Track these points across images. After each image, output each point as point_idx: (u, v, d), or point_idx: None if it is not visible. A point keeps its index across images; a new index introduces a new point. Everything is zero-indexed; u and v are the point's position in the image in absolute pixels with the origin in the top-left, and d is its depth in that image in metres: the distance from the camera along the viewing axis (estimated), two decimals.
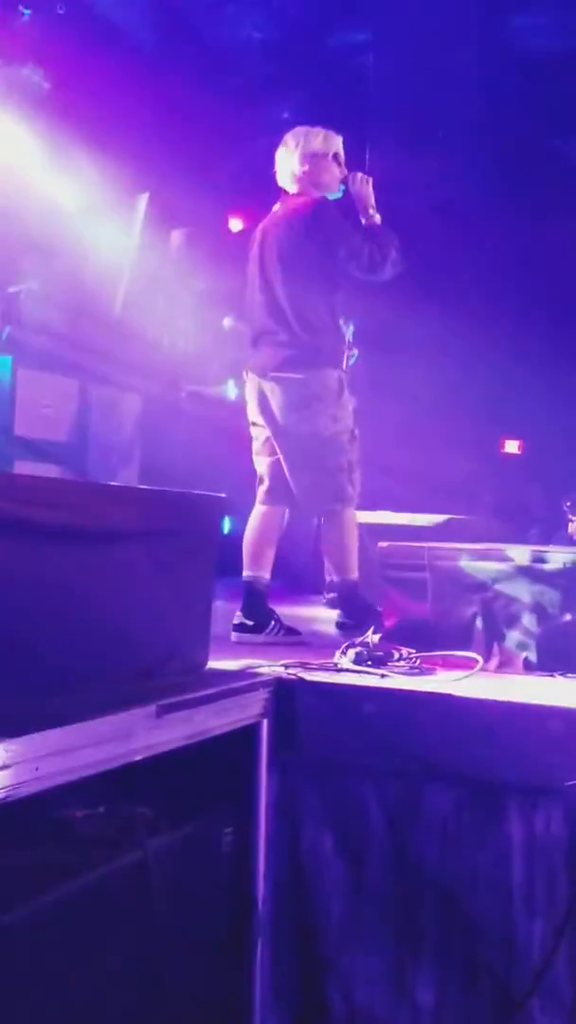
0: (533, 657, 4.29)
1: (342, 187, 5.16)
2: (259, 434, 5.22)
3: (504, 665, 4.28)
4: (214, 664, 3.69)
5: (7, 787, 2.37)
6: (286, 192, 5.20)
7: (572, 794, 3.42)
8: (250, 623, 5.03)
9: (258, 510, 5.23)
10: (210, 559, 3.68)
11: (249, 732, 3.49)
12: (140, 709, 2.87)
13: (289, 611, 6.56)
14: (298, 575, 7.46)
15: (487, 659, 4.21)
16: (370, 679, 3.82)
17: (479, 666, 4.01)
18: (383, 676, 3.86)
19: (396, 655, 4.09)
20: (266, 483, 5.18)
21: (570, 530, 9.89)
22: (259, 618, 5.06)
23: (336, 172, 5.12)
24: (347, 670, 3.91)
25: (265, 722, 3.56)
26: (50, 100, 7.66)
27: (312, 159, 5.07)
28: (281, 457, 5.07)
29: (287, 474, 5.07)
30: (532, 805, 3.51)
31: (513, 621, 4.37)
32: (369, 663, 3.98)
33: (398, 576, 4.69)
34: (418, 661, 4.09)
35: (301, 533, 7.52)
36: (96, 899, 2.83)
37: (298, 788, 3.70)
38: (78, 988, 2.73)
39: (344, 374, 4.96)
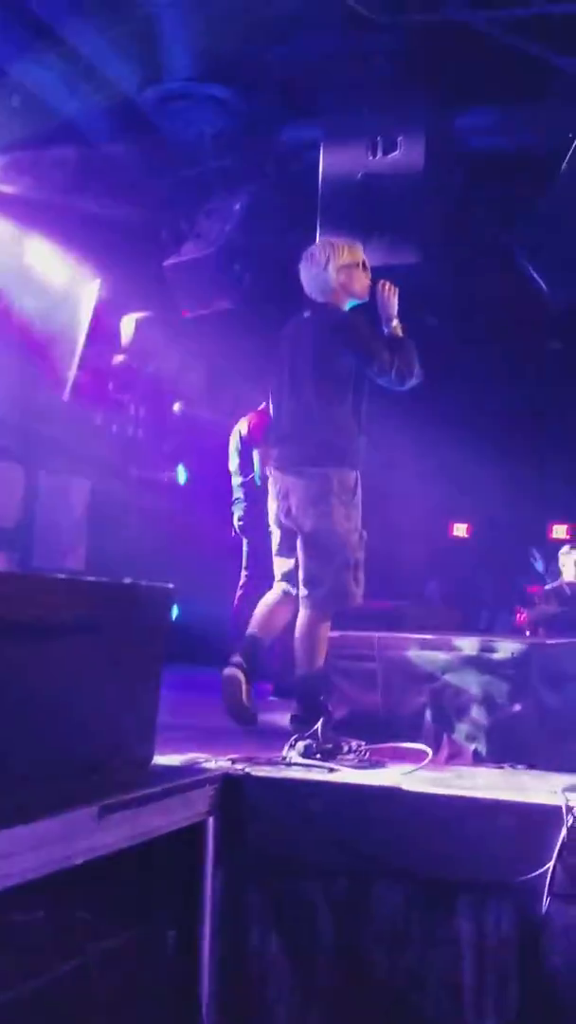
0: (483, 748, 4.27)
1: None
2: (279, 534, 5.36)
3: (454, 757, 4.25)
4: (160, 759, 3.63)
5: None
6: (313, 299, 5.38)
7: (523, 891, 3.38)
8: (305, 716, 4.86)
9: (270, 598, 5.43)
10: (157, 651, 3.63)
11: (195, 830, 3.42)
12: (82, 810, 2.80)
13: None
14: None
15: (437, 751, 4.18)
16: (319, 773, 3.77)
17: (428, 758, 3.98)
18: (331, 770, 3.81)
19: (345, 748, 4.05)
20: (281, 582, 5.36)
21: (517, 622, 9.94)
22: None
23: (366, 280, 5.33)
24: (295, 764, 3.86)
25: (211, 820, 3.49)
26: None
27: (346, 271, 5.28)
28: (298, 546, 5.16)
29: (299, 561, 5.14)
30: (483, 903, 3.47)
31: (462, 712, 4.36)
32: (318, 756, 3.94)
33: (348, 666, 4.66)
34: (367, 753, 4.06)
35: (249, 619, 7.48)
36: (35, 1009, 2.74)
37: (245, 887, 3.63)
38: None
39: (358, 474, 5.10)
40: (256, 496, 7.62)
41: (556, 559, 9.22)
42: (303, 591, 5.06)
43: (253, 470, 7.63)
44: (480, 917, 3.45)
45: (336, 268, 5.27)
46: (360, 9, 7.21)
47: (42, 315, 8.34)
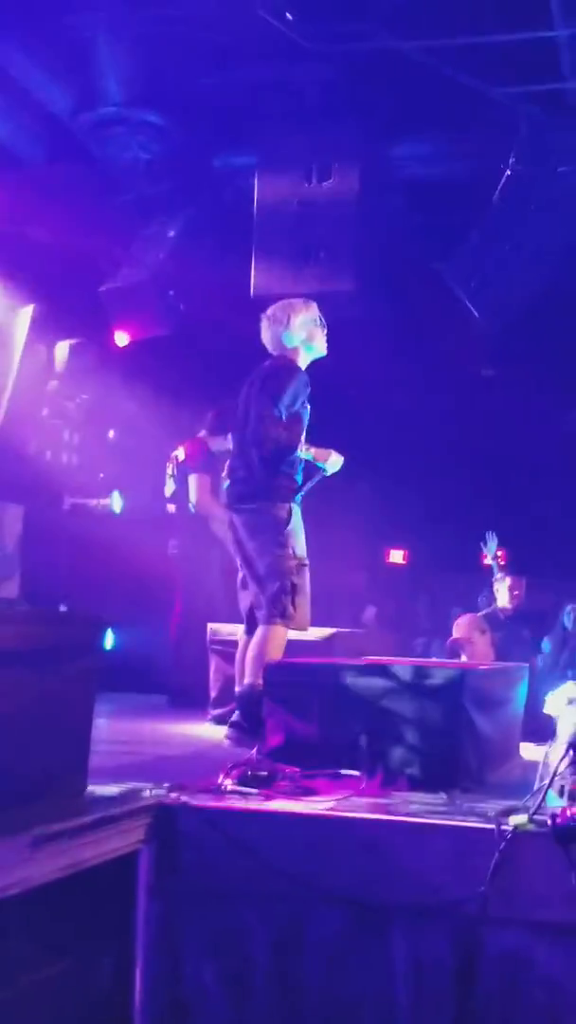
0: (417, 773, 4.28)
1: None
2: (240, 569, 5.71)
3: (388, 783, 4.25)
4: (94, 788, 3.60)
5: None
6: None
7: (458, 915, 3.39)
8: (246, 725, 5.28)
9: (246, 640, 5.62)
10: (90, 680, 3.61)
11: (129, 859, 3.39)
12: (14, 841, 2.77)
13: (175, 727, 6.47)
14: (184, 691, 7.37)
15: (372, 777, 4.18)
16: (254, 801, 3.76)
17: (363, 785, 3.98)
18: (267, 798, 3.80)
19: (280, 775, 4.03)
20: (246, 619, 5.68)
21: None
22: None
23: (323, 336, 5.75)
24: (231, 792, 3.84)
25: (146, 849, 3.47)
26: None
27: (308, 328, 5.69)
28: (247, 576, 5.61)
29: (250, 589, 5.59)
30: (418, 927, 3.47)
31: (397, 738, 4.36)
32: (253, 784, 3.92)
33: (284, 693, 4.65)
34: (303, 781, 4.05)
35: (186, 650, 7.47)
36: None
37: (180, 916, 3.60)
38: None
39: (296, 507, 5.51)
40: (191, 524, 7.62)
41: (490, 585, 9.29)
42: (258, 613, 5.50)
43: (189, 497, 7.61)
44: (415, 941, 3.46)
45: (298, 326, 5.68)
46: (296, 37, 7.30)
47: None
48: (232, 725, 5.46)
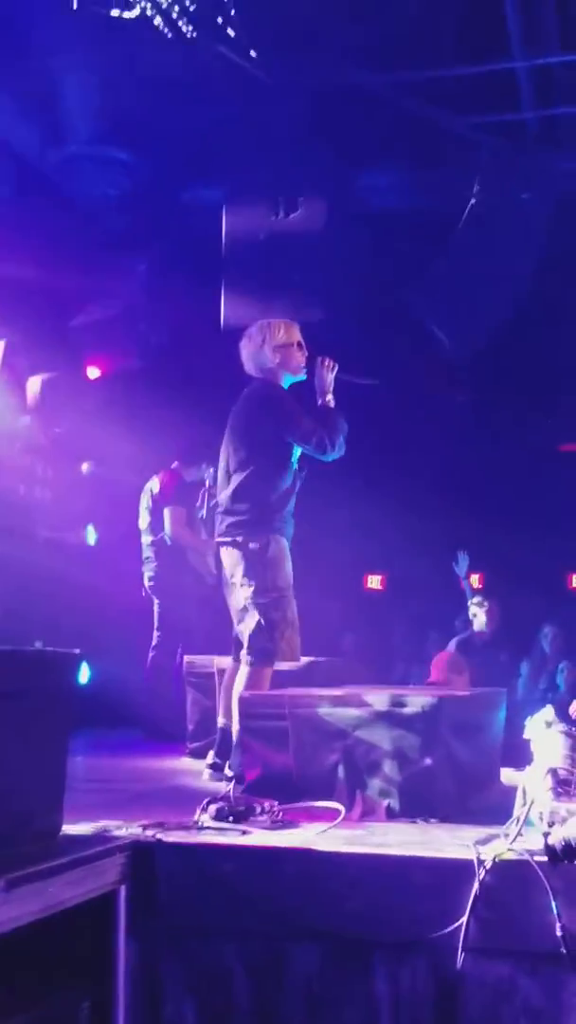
0: (396, 804, 4.28)
1: (306, 371, 5.67)
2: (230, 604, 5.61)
3: (367, 814, 4.25)
4: (69, 828, 3.57)
5: None
6: (251, 376, 5.69)
7: (438, 947, 3.37)
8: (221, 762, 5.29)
9: (233, 667, 5.54)
10: (66, 718, 3.58)
11: (106, 900, 3.36)
12: None
13: (152, 763, 6.44)
14: (161, 725, 7.33)
15: (349, 808, 4.17)
16: (231, 836, 3.74)
17: (341, 816, 3.97)
18: (244, 832, 3.79)
19: (258, 809, 4.02)
20: (233, 647, 5.59)
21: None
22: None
23: (301, 358, 5.62)
24: (207, 828, 3.82)
25: (122, 888, 3.44)
26: None
27: (281, 350, 5.56)
28: None
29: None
30: (398, 959, 3.46)
31: (375, 768, 4.36)
32: (230, 819, 3.90)
33: (259, 726, 4.64)
34: (280, 814, 4.04)
35: (163, 683, 7.44)
36: None
37: (159, 956, 3.57)
38: None
39: (277, 537, 5.38)
40: (167, 555, 7.60)
41: (467, 609, 9.31)
42: (242, 651, 5.37)
43: (164, 529, 7.60)
44: (396, 974, 3.44)
45: (272, 348, 5.56)
46: (259, 74, 7.36)
47: None
48: (211, 766, 5.49)
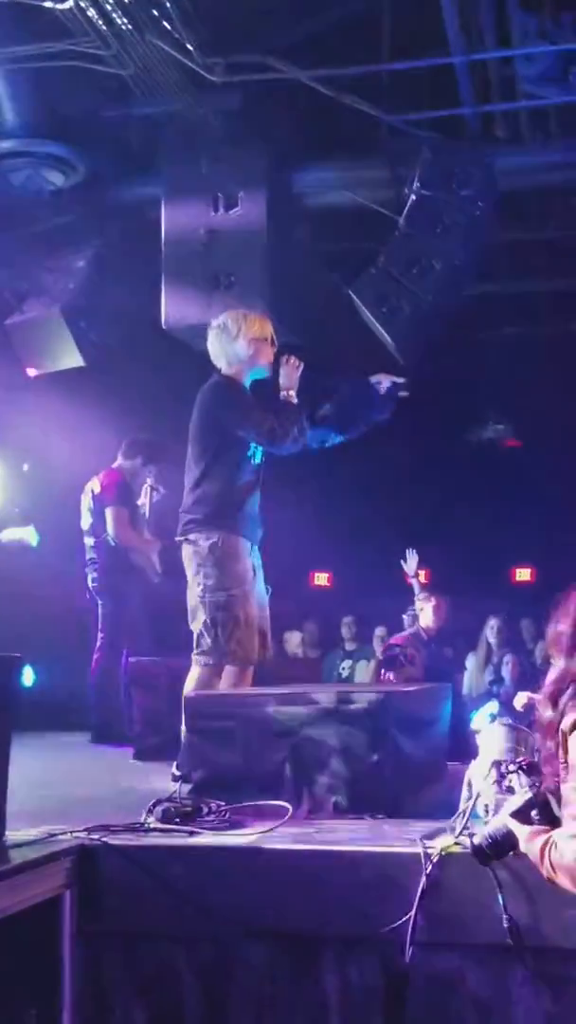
0: (343, 800, 4.26)
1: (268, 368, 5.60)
2: None
3: (314, 811, 4.23)
4: (12, 833, 3.53)
5: None
6: (216, 367, 5.60)
7: (386, 942, 3.37)
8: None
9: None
10: (7, 720, 3.54)
11: (52, 905, 3.32)
12: None
13: (98, 765, 6.39)
14: (106, 728, 7.27)
15: (297, 806, 4.15)
16: (178, 838, 3.71)
17: (289, 814, 3.95)
18: (192, 833, 3.76)
19: (205, 809, 3.99)
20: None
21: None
22: None
23: (271, 354, 5.57)
24: (154, 830, 3.79)
25: (68, 893, 3.40)
26: None
27: (255, 344, 5.50)
28: None
29: None
30: (347, 956, 3.45)
31: (322, 765, 4.34)
32: (177, 820, 3.87)
33: (205, 726, 4.61)
34: (227, 814, 4.01)
35: (108, 685, 7.38)
36: None
37: (106, 960, 3.54)
38: None
39: (228, 535, 5.30)
40: (110, 556, 7.54)
41: (414, 604, 9.33)
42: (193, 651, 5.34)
43: (106, 530, 7.53)
44: (345, 971, 3.44)
45: (247, 340, 5.49)
46: (197, 69, 7.32)
47: None
48: (174, 778, 5.04)
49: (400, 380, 5.87)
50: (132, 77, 7.43)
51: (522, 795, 3.19)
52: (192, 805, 4.00)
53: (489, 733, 3.80)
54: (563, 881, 2.92)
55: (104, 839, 3.57)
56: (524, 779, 3.31)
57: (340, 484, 11.85)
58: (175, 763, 5.02)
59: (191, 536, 5.33)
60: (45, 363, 8.59)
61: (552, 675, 3.13)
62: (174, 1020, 3.53)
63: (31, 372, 8.65)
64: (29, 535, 8.56)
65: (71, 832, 3.61)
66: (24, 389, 8.76)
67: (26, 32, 6.86)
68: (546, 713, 3.10)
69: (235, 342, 5.49)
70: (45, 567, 8.26)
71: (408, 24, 7.60)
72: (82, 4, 6.42)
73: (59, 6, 6.46)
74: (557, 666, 3.13)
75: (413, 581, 9.22)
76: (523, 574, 13.17)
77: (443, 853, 3.39)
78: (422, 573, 9.55)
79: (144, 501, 7.69)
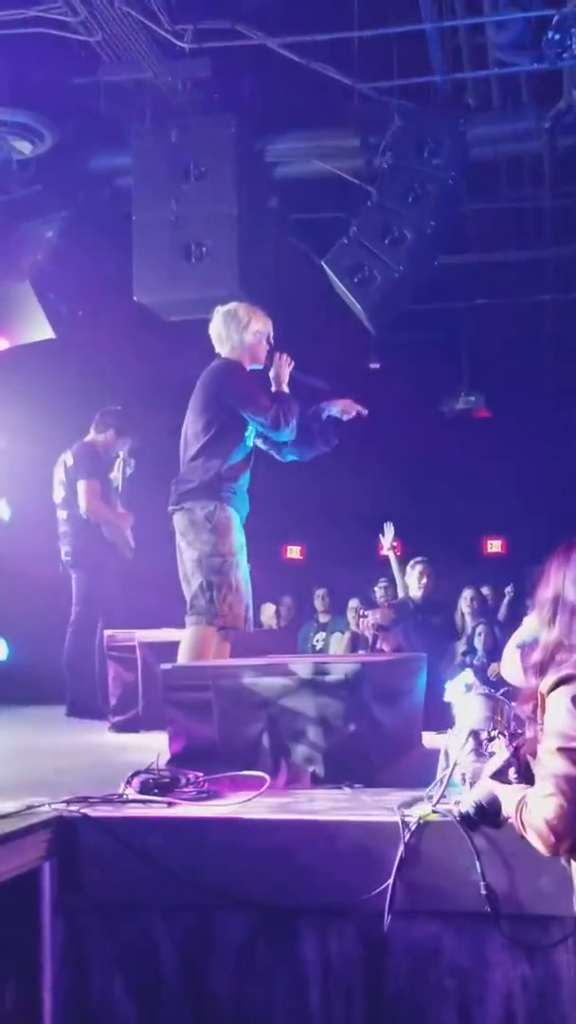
0: (320, 771, 4.27)
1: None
2: None
3: (292, 781, 4.24)
4: None
5: None
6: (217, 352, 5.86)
7: (365, 911, 3.39)
8: None
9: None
10: None
11: (30, 877, 3.31)
12: None
13: (74, 738, 6.38)
14: (83, 700, 7.26)
15: (275, 777, 4.16)
16: (157, 808, 3.71)
17: (266, 785, 3.95)
18: (170, 804, 3.76)
19: (183, 780, 3.99)
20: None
21: (360, 627, 10.02)
22: None
23: (266, 349, 5.86)
24: (132, 801, 3.78)
25: (47, 865, 3.39)
26: None
27: (258, 336, 5.82)
28: None
29: None
30: (326, 926, 3.46)
31: (299, 735, 4.34)
32: (155, 791, 3.87)
33: (181, 697, 4.60)
34: (205, 785, 4.01)
35: (83, 658, 7.36)
36: None
37: (85, 931, 3.54)
38: None
39: (223, 506, 5.58)
40: (82, 530, 7.50)
41: (388, 576, 9.35)
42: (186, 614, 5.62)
43: (78, 503, 7.49)
44: (324, 941, 3.45)
45: (253, 332, 5.80)
46: (167, 37, 7.25)
47: None
48: None
49: (357, 411, 6.13)
50: (100, 44, 7.36)
51: (500, 756, 3.21)
52: (170, 776, 3.99)
53: (465, 703, 3.81)
54: (532, 838, 2.95)
55: (83, 811, 3.57)
56: (505, 743, 3.33)
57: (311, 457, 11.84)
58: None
59: (186, 504, 5.59)
60: (14, 335, 8.52)
61: (534, 644, 3.15)
62: (153, 991, 3.54)
63: (0, 344, 8.58)
64: (1, 509, 8.51)
65: (50, 804, 3.60)
66: None
67: None
68: (531, 681, 3.12)
69: (244, 331, 5.78)
70: (18, 541, 8.20)
71: None
72: None
73: None
74: (538, 635, 3.16)
75: (388, 554, 9.22)
76: (494, 545, 13.24)
77: (421, 822, 3.40)
78: (396, 545, 9.56)
79: (117, 475, 7.65)
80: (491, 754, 3.38)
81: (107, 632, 7.06)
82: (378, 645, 8.79)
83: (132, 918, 3.56)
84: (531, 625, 3.60)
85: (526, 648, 3.39)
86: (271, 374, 5.83)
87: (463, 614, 9.61)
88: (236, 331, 5.80)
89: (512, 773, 3.12)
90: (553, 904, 3.21)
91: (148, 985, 3.54)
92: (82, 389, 8.43)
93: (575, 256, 10.10)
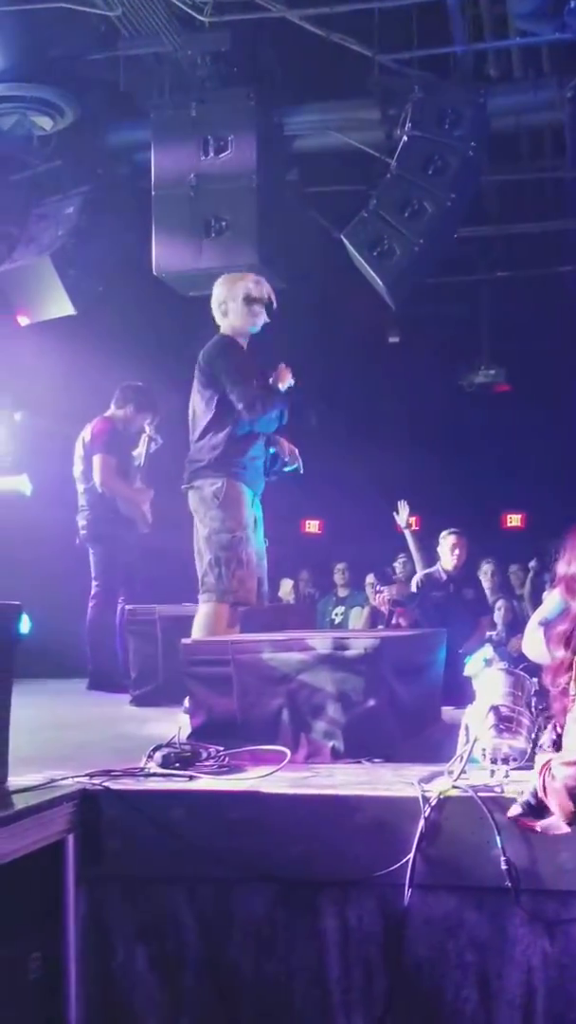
0: (340, 745, 4.29)
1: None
2: None
3: (312, 756, 4.26)
4: (15, 778, 3.55)
5: None
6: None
7: (385, 884, 3.41)
8: None
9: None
10: (5, 669, 3.56)
11: (54, 849, 3.35)
12: None
13: (96, 712, 6.42)
14: (103, 674, 7.30)
15: (295, 751, 4.18)
16: (178, 782, 3.74)
17: (287, 759, 3.98)
18: (191, 778, 3.79)
19: (203, 754, 4.02)
20: None
21: (376, 602, 10.02)
22: None
23: (259, 313, 5.65)
24: (154, 775, 3.82)
25: (70, 838, 3.43)
26: None
27: (245, 303, 5.62)
28: None
29: None
30: (346, 899, 3.49)
31: (319, 710, 4.37)
32: (176, 765, 3.90)
33: (203, 672, 4.63)
34: (226, 759, 4.04)
35: (104, 632, 7.39)
36: None
37: (108, 903, 3.58)
38: None
39: (232, 481, 5.49)
40: (99, 504, 7.51)
41: (406, 551, 9.31)
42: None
43: (93, 477, 7.50)
44: (343, 914, 3.48)
45: (240, 299, 5.61)
46: (186, 9, 7.21)
47: None
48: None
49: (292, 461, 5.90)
50: (120, 18, 7.32)
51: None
52: (191, 750, 4.02)
53: (486, 678, 3.82)
54: (552, 803, 2.96)
55: (105, 784, 3.60)
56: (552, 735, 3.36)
57: (330, 431, 11.83)
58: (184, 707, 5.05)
59: (196, 483, 5.54)
60: (35, 311, 8.53)
61: (557, 619, 3.17)
62: (175, 963, 3.57)
63: (21, 320, 8.59)
64: (22, 484, 8.54)
65: (72, 777, 3.64)
66: (15, 338, 8.70)
67: None
68: (557, 653, 3.14)
69: (232, 301, 5.63)
70: (39, 515, 8.23)
71: None
72: None
73: None
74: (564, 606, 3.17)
75: (405, 531, 9.16)
76: (514, 520, 13.20)
77: (441, 796, 3.42)
78: (413, 521, 9.51)
79: (141, 451, 7.65)
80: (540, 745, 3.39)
81: (128, 606, 7.09)
82: (394, 620, 8.77)
83: (154, 890, 3.59)
84: (553, 600, 3.62)
85: (549, 623, 3.40)
86: (270, 379, 5.69)
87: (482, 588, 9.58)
88: (224, 302, 5.67)
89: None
90: (573, 879, 3.24)
91: (170, 957, 3.58)
92: (102, 365, 8.42)
93: None
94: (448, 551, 8.13)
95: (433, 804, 3.40)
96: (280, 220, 8.21)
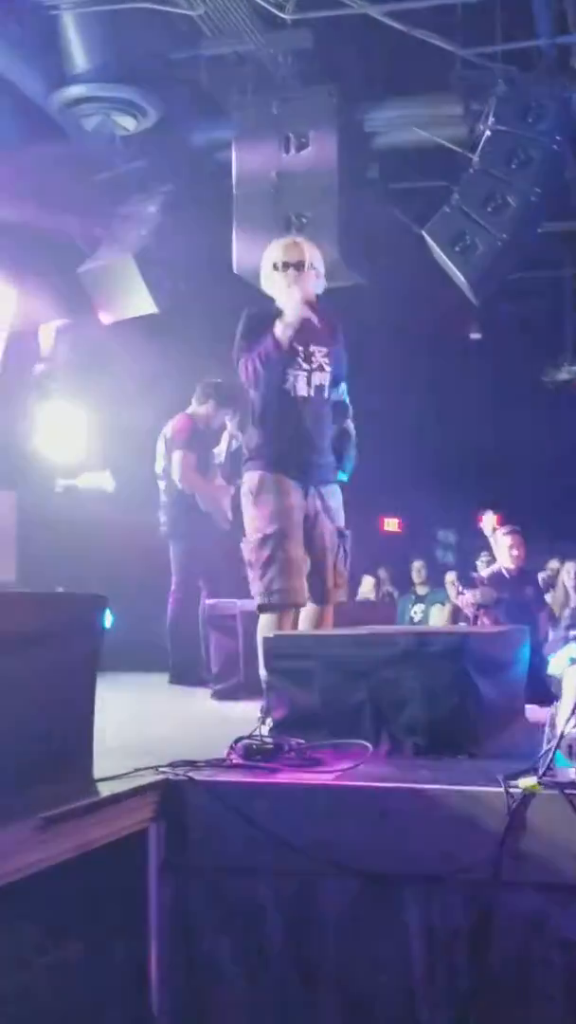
0: (422, 741, 4.26)
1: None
2: None
3: (394, 751, 4.24)
4: (100, 768, 3.58)
5: None
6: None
7: (469, 880, 3.38)
8: None
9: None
10: (92, 660, 3.60)
11: (138, 838, 3.38)
12: (22, 823, 2.75)
13: (178, 704, 6.47)
14: (185, 668, 7.35)
15: (376, 746, 4.17)
16: (260, 775, 3.74)
17: (369, 754, 3.97)
18: (273, 770, 3.79)
19: (285, 747, 4.02)
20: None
21: (459, 602, 9.95)
22: None
23: (282, 277, 5.20)
24: (237, 766, 3.83)
25: (154, 827, 3.45)
26: None
27: (269, 271, 5.29)
28: None
29: None
30: (431, 893, 3.46)
31: (401, 706, 4.34)
32: (259, 758, 3.90)
33: (285, 666, 4.63)
34: (308, 752, 4.03)
35: (185, 627, 7.44)
36: None
37: (192, 893, 3.59)
38: None
39: (261, 475, 5.08)
40: (180, 500, 7.57)
41: (488, 547, 9.27)
42: None
43: (172, 474, 7.56)
44: (428, 909, 3.45)
45: (266, 270, 5.30)
46: (268, 7, 7.23)
47: None
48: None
49: None
50: (202, 18, 7.37)
51: None
52: (273, 743, 4.03)
53: (572, 675, 3.78)
54: None
55: (189, 775, 3.62)
56: None
57: (409, 429, 11.79)
58: (261, 704, 5.04)
59: (239, 481, 5.33)
60: (118, 310, 8.61)
61: None
62: (258, 953, 3.58)
63: (104, 319, 8.68)
64: (106, 481, 8.64)
65: (156, 768, 3.66)
66: (99, 336, 8.79)
67: None
68: None
69: (262, 273, 5.34)
70: (122, 511, 8.32)
71: None
72: None
73: None
74: None
75: (491, 537, 9.13)
76: None
77: (526, 793, 3.38)
78: (496, 518, 9.47)
79: (222, 447, 7.69)
80: None
81: (209, 601, 7.13)
82: (478, 623, 8.74)
83: (237, 882, 3.60)
84: None
85: None
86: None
87: (566, 588, 9.50)
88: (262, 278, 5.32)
89: None
90: None
91: (252, 948, 3.58)
92: (184, 362, 8.49)
93: None
94: (506, 550, 8.19)
95: (519, 800, 3.36)
96: (361, 216, 8.20)
